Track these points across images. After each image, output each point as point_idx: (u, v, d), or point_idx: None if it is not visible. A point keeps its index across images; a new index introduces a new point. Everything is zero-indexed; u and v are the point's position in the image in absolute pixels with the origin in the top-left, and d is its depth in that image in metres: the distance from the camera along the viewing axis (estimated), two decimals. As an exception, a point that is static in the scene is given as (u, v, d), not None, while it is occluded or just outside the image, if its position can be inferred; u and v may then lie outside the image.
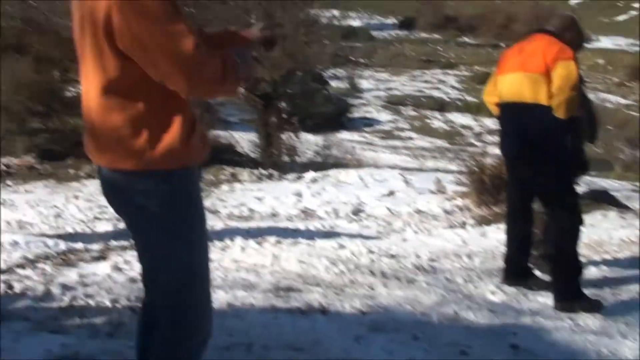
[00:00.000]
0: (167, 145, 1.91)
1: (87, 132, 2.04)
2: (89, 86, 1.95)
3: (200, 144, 2.02)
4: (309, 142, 16.30)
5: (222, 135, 13.83)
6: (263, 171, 9.29)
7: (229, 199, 7.60)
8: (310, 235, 5.76)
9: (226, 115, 22.05)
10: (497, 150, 5.08)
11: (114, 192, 2.05)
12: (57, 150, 9.20)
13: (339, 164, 12.99)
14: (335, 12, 19.38)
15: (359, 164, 12.71)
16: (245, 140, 15.22)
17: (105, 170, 2.02)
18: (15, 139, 9.71)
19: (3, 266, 4.17)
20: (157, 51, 1.79)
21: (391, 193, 8.11)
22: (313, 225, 6.44)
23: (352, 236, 5.81)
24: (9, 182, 7.35)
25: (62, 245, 4.86)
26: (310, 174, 9.21)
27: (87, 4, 1.84)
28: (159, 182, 1.94)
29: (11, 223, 5.66)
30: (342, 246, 5.24)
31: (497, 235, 5.61)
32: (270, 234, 5.59)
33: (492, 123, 19.70)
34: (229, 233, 5.61)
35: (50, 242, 4.90)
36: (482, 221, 6.79)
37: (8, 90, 10.46)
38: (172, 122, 1.93)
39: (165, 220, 1.99)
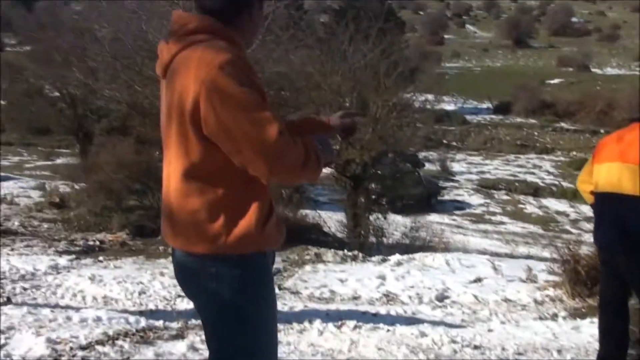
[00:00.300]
0: (243, 230, 1.92)
1: (164, 215, 2.07)
2: (171, 170, 1.99)
3: (276, 230, 2.02)
4: (397, 224, 16.19)
5: (310, 214, 13.94)
6: (348, 252, 9.19)
7: (311, 280, 7.53)
8: (391, 320, 5.58)
9: (315, 195, 22.32)
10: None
11: (186, 275, 2.06)
12: (149, 227, 9.47)
13: (426, 247, 12.76)
14: (429, 97, 19.46)
15: (446, 248, 12.42)
16: (332, 220, 15.29)
17: (179, 252, 2.03)
18: (112, 216, 10.12)
19: (84, 342, 4.23)
20: (242, 138, 1.82)
21: (478, 279, 7.82)
22: (395, 310, 6.25)
23: (434, 324, 5.59)
24: (100, 258, 7.57)
25: (143, 323, 4.89)
26: (395, 257, 9.03)
27: (176, 89, 1.89)
28: (232, 266, 1.94)
29: (97, 298, 5.79)
30: (423, 334, 5.03)
31: (590, 330, 5.25)
32: (350, 317, 5.44)
33: (589, 210, 19.01)
34: (308, 315, 5.52)
35: (131, 318, 4.96)
36: (575, 314, 6.39)
37: (110, 170, 11.00)
38: (249, 208, 1.94)
39: (235, 305, 1.98)
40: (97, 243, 8.17)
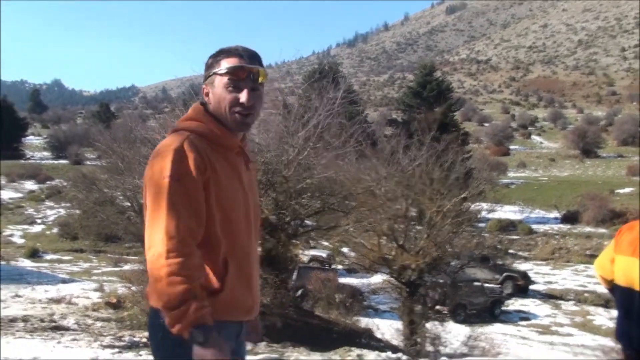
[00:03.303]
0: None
1: None
2: None
3: (230, 305, 2.15)
4: (458, 333, 15.82)
5: (363, 320, 13.81)
6: (391, 355, 9.04)
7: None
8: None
9: (376, 303, 22.10)
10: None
11: (148, 327, 2.25)
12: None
13: (485, 358, 12.40)
14: (484, 205, 19.51)
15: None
16: (390, 328, 15.08)
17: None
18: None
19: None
20: (149, 224, 2.01)
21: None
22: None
23: None
24: (142, 353, 7.71)
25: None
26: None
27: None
28: None
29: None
30: None
31: None
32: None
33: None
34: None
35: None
36: None
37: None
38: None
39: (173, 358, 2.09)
40: (144, 340, 8.32)
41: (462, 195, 16.04)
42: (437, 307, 17.37)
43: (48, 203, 46.06)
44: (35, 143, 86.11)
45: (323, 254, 27.32)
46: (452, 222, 15.70)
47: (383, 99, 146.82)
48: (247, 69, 2.17)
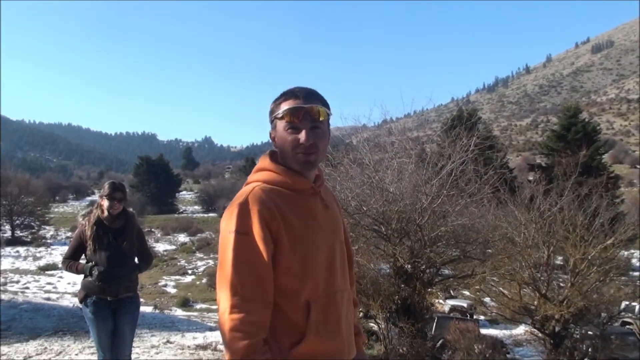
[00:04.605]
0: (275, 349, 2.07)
1: None
2: None
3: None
4: (610, 390, 14.87)
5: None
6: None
7: None
8: None
9: (521, 356, 21.22)
10: None
11: None
12: None
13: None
14: (637, 252, 18.39)
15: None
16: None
17: None
18: None
19: None
20: (217, 279, 2.05)
21: None
22: None
23: None
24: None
25: None
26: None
27: None
28: None
29: None
30: None
31: None
32: None
33: None
34: None
35: None
36: None
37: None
38: (277, 330, 2.09)
39: None
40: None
41: (609, 242, 15.25)
42: (584, 360, 16.42)
43: (198, 254, 48.58)
44: (187, 198, 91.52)
45: (464, 303, 26.72)
46: (599, 269, 14.96)
47: (526, 144, 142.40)
48: (303, 109, 2.17)
